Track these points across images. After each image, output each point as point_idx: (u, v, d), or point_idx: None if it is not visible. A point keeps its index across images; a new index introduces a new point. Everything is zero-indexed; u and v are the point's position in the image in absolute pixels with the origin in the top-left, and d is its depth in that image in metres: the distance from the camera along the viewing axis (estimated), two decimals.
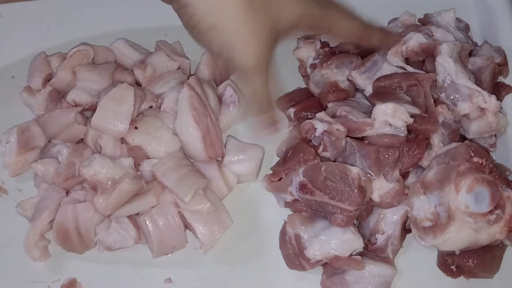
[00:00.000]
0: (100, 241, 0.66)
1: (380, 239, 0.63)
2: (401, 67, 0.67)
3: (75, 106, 0.71)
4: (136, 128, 0.68)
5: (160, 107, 0.71)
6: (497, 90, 0.70)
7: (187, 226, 0.67)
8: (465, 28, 0.75)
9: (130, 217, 0.66)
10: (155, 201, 0.65)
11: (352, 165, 0.61)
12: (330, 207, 0.60)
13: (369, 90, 0.67)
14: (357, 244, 0.61)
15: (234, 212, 0.69)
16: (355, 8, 0.84)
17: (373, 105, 0.63)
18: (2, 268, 0.67)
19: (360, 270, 0.61)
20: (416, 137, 0.64)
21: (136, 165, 0.68)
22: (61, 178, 0.67)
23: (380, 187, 0.61)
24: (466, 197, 0.58)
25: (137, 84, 0.74)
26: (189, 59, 0.77)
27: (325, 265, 0.63)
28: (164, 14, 0.86)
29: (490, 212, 0.58)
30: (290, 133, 0.71)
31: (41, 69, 0.74)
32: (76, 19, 0.86)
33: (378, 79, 0.67)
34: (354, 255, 0.62)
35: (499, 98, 0.67)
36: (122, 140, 0.68)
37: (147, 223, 0.64)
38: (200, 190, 0.66)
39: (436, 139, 0.64)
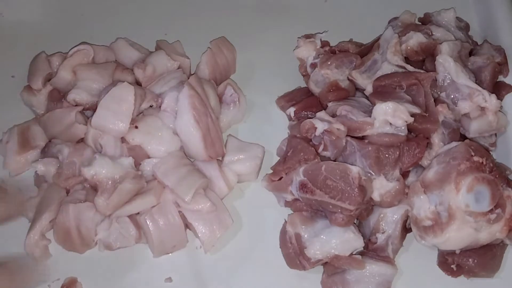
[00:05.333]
0: (101, 240, 0.66)
1: (380, 238, 0.63)
2: (401, 66, 0.67)
3: (76, 105, 0.71)
4: (136, 127, 0.68)
5: (160, 107, 0.71)
6: (497, 89, 0.70)
7: (187, 225, 0.67)
8: (465, 28, 0.75)
9: (130, 216, 0.66)
10: (156, 200, 0.65)
11: (352, 165, 0.61)
12: (331, 206, 0.60)
13: (369, 89, 0.67)
14: (358, 243, 0.61)
15: (234, 211, 0.69)
16: (355, 8, 0.84)
17: (373, 104, 0.63)
18: None
19: (360, 269, 0.60)
20: (416, 136, 0.64)
21: (137, 165, 0.68)
22: (62, 177, 0.67)
23: (381, 186, 0.61)
24: (467, 196, 0.58)
25: (137, 83, 0.74)
26: (189, 58, 0.77)
27: (325, 264, 0.63)
28: (165, 13, 0.87)
29: (491, 211, 0.58)
30: (290, 132, 0.71)
31: (42, 69, 0.74)
32: (76, 18, 0.86)
33: (378, 78, 0.67)
34: (355, 254, 0.62)
35: (499, 97, 0.67)
36: (123, 140, 0.68)
37: (148, 222, 0.64)
38: (201, 190, 0.66)
39: (436, 138, 0.64)
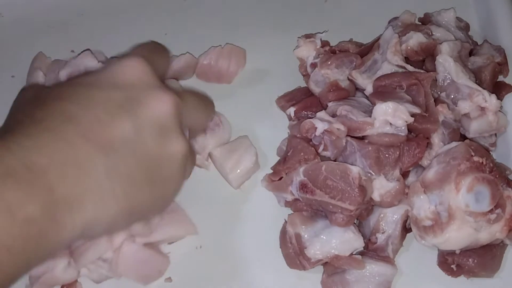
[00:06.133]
0: (87, 276, 0.63)
1: (380, 238, 0.63)
2: (401, 66, 0.67)
3: None
4: None
5: None
6: (497, 89, 0.70)
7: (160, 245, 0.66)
8: (465, 27, 0.75)
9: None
10: (109, 244, 0.61)
11: (352, 165, 0.61)
12: (331, 206, 0.60)
13: (369, 89, 0.67)
14: (358, 243, 0.61)
15: (234, 212, 0.69)
16: (355, 8, 0.85)
17: (374, 104, 0.63)
18: None
19: (360, 269, 0.61)
20: (416, 136, 0.64)
21: None
22: None
23: (381, 186, 0.61)
24: (467, 196, 0.58)
25: None
26: None
27: (325, 264, 0.63)
28: (164, 14, 0.87)
29: (491, 211, 0.58)
30: (290, 132, 0.71)
31: (41, 69, 0.74)
32: (76, 18, 0.86)
33: (378, 78, 0.67)
34: (355, 254, 0.62)
35: (499, 97, 0.67)
36: None
37: (118, 272, 0.62)
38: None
39: (436, 138, 0.64)
